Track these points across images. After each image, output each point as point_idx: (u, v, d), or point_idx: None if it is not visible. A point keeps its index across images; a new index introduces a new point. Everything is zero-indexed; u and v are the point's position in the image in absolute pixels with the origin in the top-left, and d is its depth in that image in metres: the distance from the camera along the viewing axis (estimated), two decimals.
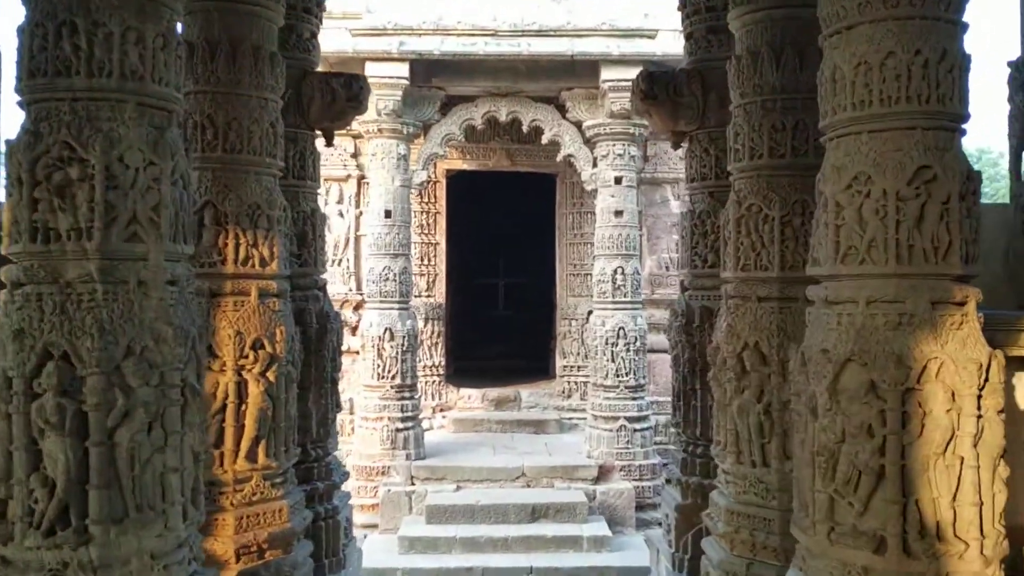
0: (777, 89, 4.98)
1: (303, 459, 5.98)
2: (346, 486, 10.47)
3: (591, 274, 12.00)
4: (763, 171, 5.01)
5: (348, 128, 12.20)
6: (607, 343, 10.31)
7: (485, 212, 15.58)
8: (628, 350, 10.29)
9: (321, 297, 6.25)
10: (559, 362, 12.33)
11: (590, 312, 12.01)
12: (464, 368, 14.17)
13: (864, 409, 3.48)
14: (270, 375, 4.94)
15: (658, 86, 6.26)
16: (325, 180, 11.97)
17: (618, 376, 10.29)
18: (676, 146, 6.76)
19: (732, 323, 5.03)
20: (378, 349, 10.31)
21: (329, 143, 6.76)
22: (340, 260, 12.13)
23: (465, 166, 12.31)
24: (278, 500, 4.99)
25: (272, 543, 4.90)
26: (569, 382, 12.20)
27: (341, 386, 12.26)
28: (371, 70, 9.97)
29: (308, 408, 5.98)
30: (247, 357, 4.88)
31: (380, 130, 10.32)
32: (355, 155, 12.05)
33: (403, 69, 10.02)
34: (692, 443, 6.26)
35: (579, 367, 12.16)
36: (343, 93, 6.19)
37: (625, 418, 10.23)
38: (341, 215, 12.16)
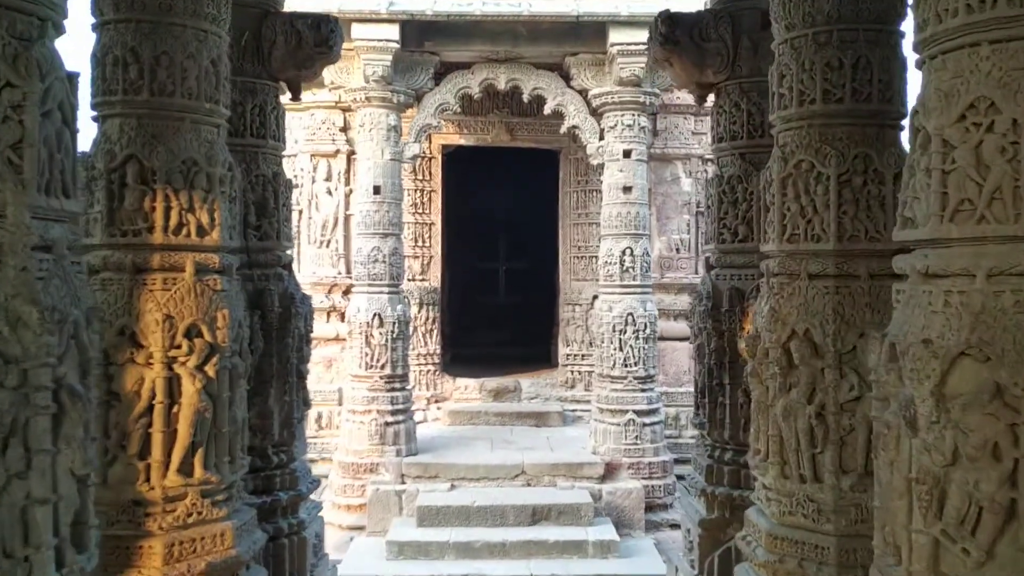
0: (833, 18, 3.95)
1: (263, 466, 4.98)
2: (332, 484, 9.55)
3: (596, 256, 11.00)
4: (815, 120, 3.99)
5: (337, 100, 11.24)
6: (614, 330, 9.29)
7: (483, 190, 14.56)
8: (637, 338, 9.28)
9: (286, 277, 5.23)
10: (562, 350, 11.32)
11: (595, 297, 11.01)
12: (461, 356, 13.18)
13: (987, 422, 2.45)
14: (209, 369, 3.93)
15: (681, 29, 5.23)
16: (312, 156, 11.01)
17: (626, 366, 9.28)
18: (701, 100, 5.75)
19: (776, 307, 4.01)
20: (366, 336, 9.31)
21: (296, 96, 5.75)
22: (328, 241, 11.14)
23: (462, 141, 11.28)
24: (220, 521, 3.98)
25: (211, 574, 3.90)
26: (572, 371, 11.19)
27: (330, 375, 11.38)
28: (358, 32, 8.94)
29: (269, 406, 4.98)
30: (180, 347, 3.86)
31: (368, 99, 9.28)
32: (344, 129, 11.04)
33: (393, 31, 8.98)
34: (719, 447, 5.25)
35: (583, 356, 11.17)
36: (310, 36, 5.16)
37: (634, 411, 9.22)
38: (330, 193, 11.16)
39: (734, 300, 5.08)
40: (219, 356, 3.96)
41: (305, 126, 11.21)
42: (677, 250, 11.16)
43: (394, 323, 9.31)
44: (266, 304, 4.93)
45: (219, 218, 4.01)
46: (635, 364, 9.27)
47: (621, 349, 9.28)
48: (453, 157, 12.02)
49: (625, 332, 9.28)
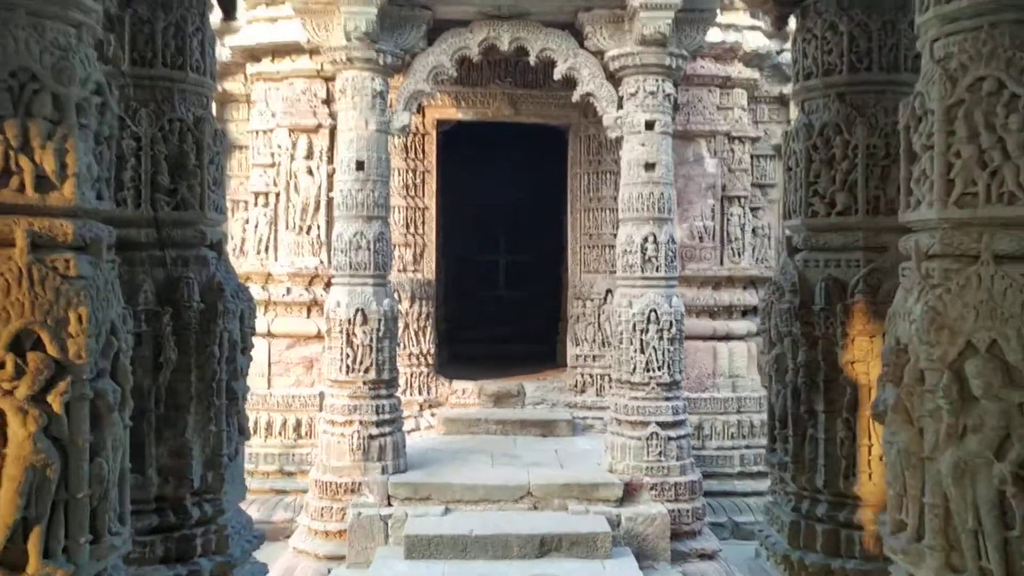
0: None
1: (177, 523, 3.46)
2: (308, 506, 8.04)
3: (611, 246, 9.48)
4: (1005, 15, 2.48)
5: (319, 69, 9.69)
6: (634, 329, 7.77)
7: (483, 173, 13.01)
8: (661, 338, 7.75)
9: (213, 261, 3.71)
10: (571, 350, 9.80)
11: (609, 291, 9.51)
12: (457, 356, 11.65)
13: None
14: (53, 401, 2.41)
15: None
16: (291, 131, 9.49)
17: (648, 371, 7.76)
18: (780, 23, 4.22)
19: (938, 307, 2.49)
20: (347, 335, 7.78)
21: (229, 15, 4.24)
22: (309, 227, 9.62)
23: (459, 115, 9.74)
24: None
25: None
26: (583, 374, 9.67)
27: (310, 377, 9.84)
28: None
29: (185, 441, 3.47)
30: (2, 366, 2.35)
31: (350, 60, 7.74)
32: (327, 101, 9.50)
33: None
34: (808, 498, 3.74)
35: (595, 357, 9.64)
36: None
37: (657, 423, 7.70)
38: (310, 172, 9.63)
39: (832, 295, 3.57)
40: (72, 380, 2.44)
41: (283, 97, 9.67)
42: (700, 239, 9.64)
43: (380, 320, 7.78)
44: (181, 299, 3.42)
45: (75, 165, 2.47)
46: (658, 368, 7.75)
47: (642, 351, 7.75)
48: (449, 137, 10.49)
49: (647, 332, 7.75)
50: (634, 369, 7.77)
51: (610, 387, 9.39)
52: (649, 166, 7.80)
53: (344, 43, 7.66)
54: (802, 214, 3.77)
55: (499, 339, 13.02)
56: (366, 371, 7.76)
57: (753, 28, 9.84)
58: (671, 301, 7.82)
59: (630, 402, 7.80)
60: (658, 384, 7.75)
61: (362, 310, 7.74)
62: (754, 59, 9.90)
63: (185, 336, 3.41)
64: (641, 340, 7.75)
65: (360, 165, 7.78)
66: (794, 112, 10.81)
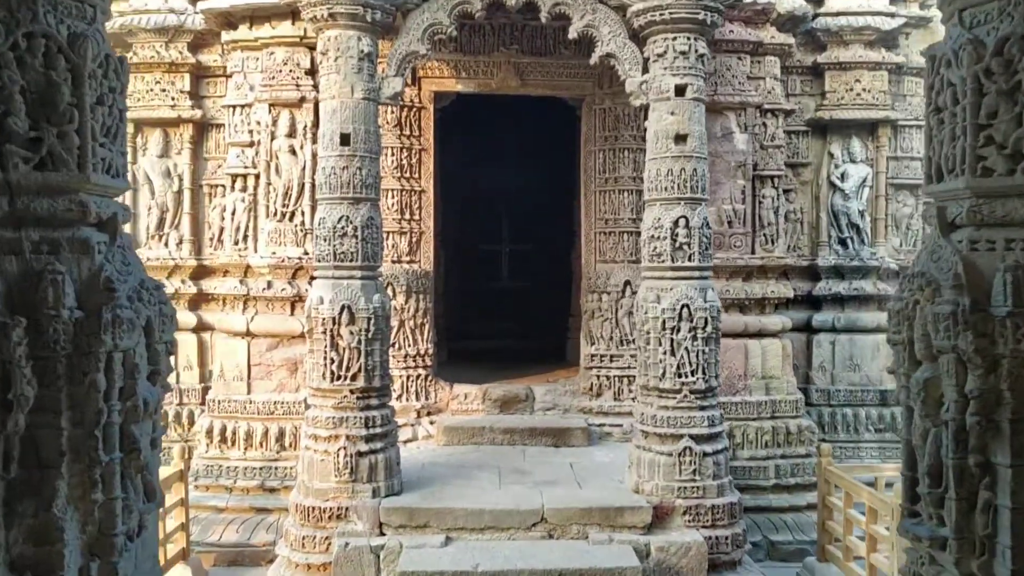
0: None
1: None
2: (288, 535, 6.80)
3: (629, 232, 8.29)
4: None
5: (302, 35, 8.43)
6: (663, 327, 6.54)
7: (485, 150, 11.78)
8: (695, 338, 6.52)
9: (98, 247, 2.45)
10: (585, 349, 8.56)
11: (627, 283, 8.31)
12: (458, 354, 10.44)
13: None
14: None
15: None
16: (271, 106, 8.25)
17: (680, 375, 6.53)
18: None
19: None
20: (331, 337, 6.54)
21: None
22: (292, 213, 8.37)
23: (459, 87, 8.48)
24: None
25: None
26: (599, 376, 8.44)
27: (295, 382, 8.53)
28: None
29: (52, 518, 2.23)
30: None
31: (332, 16, 6.48)
32: (312, 72, 8.22)
33: None
34: None
35: (612, 356, 8.41)
36: None
37: (691, 436, 6.48)
38: (293, 152, 8.37)
39: (1023, 293, 2.33)
40: None
41: (262, 68, 8.40)
42: (729, 223, 8.40)
43: (370, 319, 6.54)
44: (44, 303, 2.18)
45: None
46: (692, 373, 6.52)
47: (673, 353, 6.53)
48: (448, 113, 9.24)
49: (678, 330, 6.52)
50: (663, 374, 6.55)
51: (629, 391, 8.21)
52: (680, 138, 6.56)
53: None
54: (966, 173, 2.51)
55: (503, 335, 11.81)
56: (354, 378, 6.53)
57: None
58: (706, 295, 6.59)
59: (659, 412, 6.58)
60: (691, 391, 6.53)
61: (348, 307, 6.51)
62: (788, 22, 8.65)
63: (50, 361, 2.19)
64: (672, 340, 6.53)
65: (345, 139, 6.54)
66: (830, 82, 9.62)
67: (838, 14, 9.08)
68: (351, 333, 6.52)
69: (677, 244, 6.54)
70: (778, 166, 8.68)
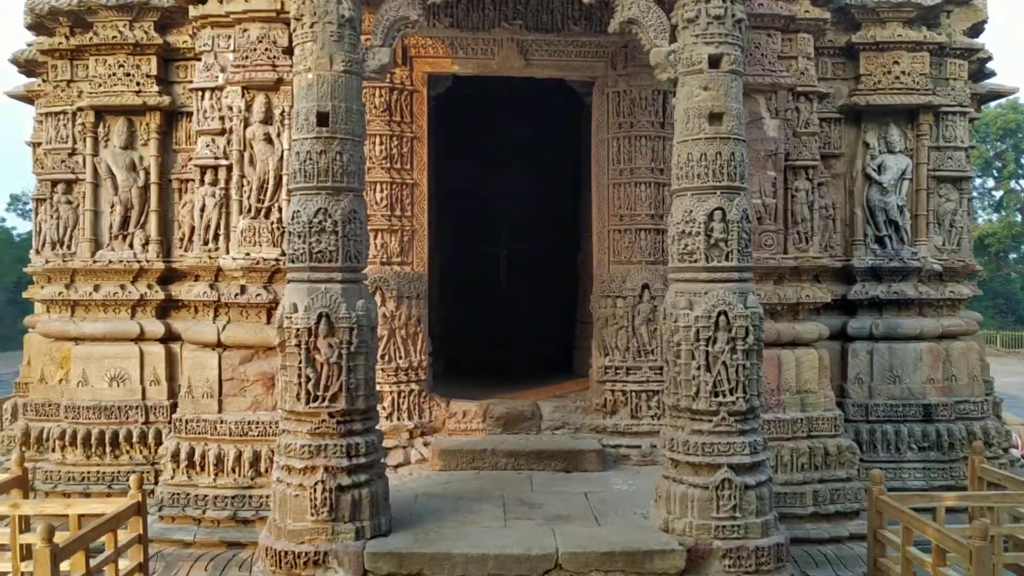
0: None
1: None
2: None
3: (647, 229, 7.23)
4: None
5: (279, 9, 7.31)
6: (697, 338, 5.44)
7: (482, 141, 10.68)
8: (734, 350, 5.43)
9: None
10: (597, 361, 7.46)
11: (645, 286, 7.26)
12: (456, 366, 9.36)
13: None
14: None
15: None
16: (245, 89, 7.19)
17: (717, 395, 5.43)
18: None
19: None
20: (307, 351, 5.43)
21: None
22: (268, 209, 7.29)
23: (456, 68, 7.39)
24: None
25: None
26: (614, 391, 7.34)
27: (272, 399, 7.29)
28: None
29: None
30: None
31: None
32: (290, 51, 7.06)
33: None
34: None
35: (628, 369, 7.32)
36: None
37: (730, 466, 5.39)
38: (270, 140, 7.29)
39: None
40: None
41: (235, 47, 7.32)
42: (759, 219, 7.32)
43: (352, 329, 5.43)
44: None
45: None
46: (731, 392, 5.43)
47: (708, 368, 5.43)
48: (443, 100, 8.16)
49: (714, 342, 5.43)
50: (697, 392, 5.45)
51: (648, 407, 7.14)
52: (715, 117, 5.47)
53: None
54: None
55: (505, 344, 10.72)
56: (333, 399, 5.43)
57: None
58: (746, 300, 5.50)
59: (692, 437, 5.48)
60: (730, 412, 5.43)
61: (327, 316, 5.40)
62: None
63: None
64: (707, 353, 5.44)
65: (323, 118, 5.44)
66: (866, 64, 8.50)
67: None
68: (330, 346, 5.41)
69: (712, 240, 5.46)
70: (812, 156, 7.61)
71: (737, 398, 5.42)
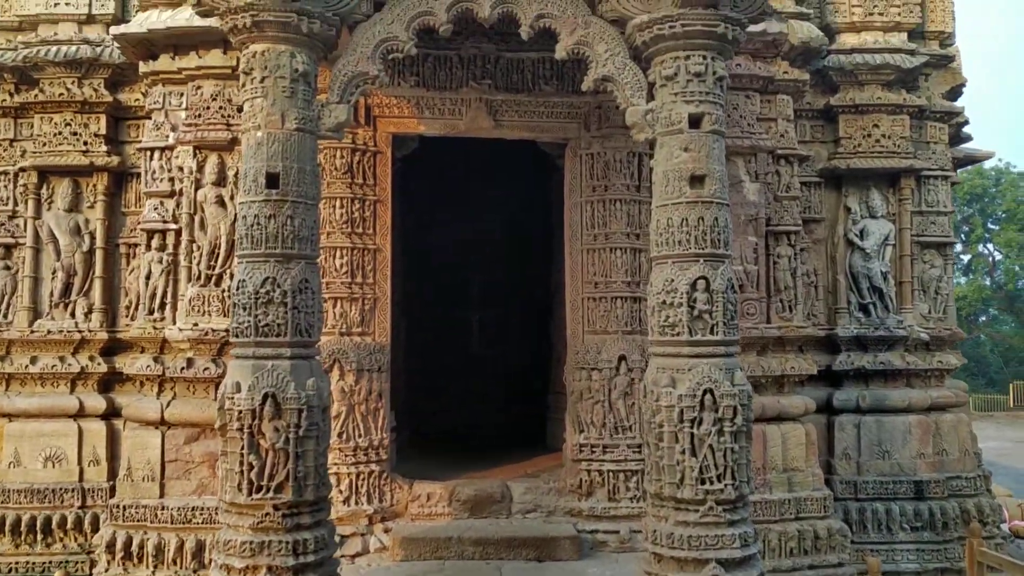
0: None
1: None
2: None
3: (624, 297, 6.76)
4: None
5: (234, 66, 6.85)
6: (681, 419, 4.93)
7: (451, 201, 10.24)
8: (721, 432, 4.92)
9: None
10: (572, 437, 6.89)
11: (621, 358, 6.75)
12: (421, 439, 8.76)
13: None
14: None
15: None
16: (197, 149, 6.71)
17: (703, 482, 4.90)
18: None
19: None
20: (251, 435, 4.84)
21: None
22: (219, 276, 6.75)
23: (422, 128, 6.94)
24: None
25: None
26: (589, 471, 6.75)
27: (217, 483, 6.69)
28: None
29: None
30: None
31: (258, 25, 4.93)
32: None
33: None
34: None
35: (606, 447, 6.75)
36: None
37: (718, 561, 4.82)
38: (222, 203, 6.79)
39: None
40: None
41: (187, 105, 6.85)
42: (741, 287, 6.85)
43: (301, 411, 4.86)
44: None
45: None
46: (718, 478, 4.90)
47: (694, 453, 4.91)
48: (410, 160, 7.73)
49: (700, 422, 4.92)
50: (682, 479, 4.92)
51: (627, 488, 6.59)
52: (696, 179, 5.05)
53: (249, 0, 4.88)
54: None
55: (473, 413, 10.14)
56: (279, 489, 4.82)
57: (800, 16, 7.23)
58: (733, 377, 5.01)
59: (676, 528, 4.92)
60: (718, 501, 4.89)
61: (274, 396, 4.83)
62: (801, 56, 7.29)
63: None
64: (692, 435, 4.92)
65: (273, 179, 4.94)
66: (845, 127, 8.15)
67: (852, 51, 7.76)
68: (277, 430, 4.83)
69: (696, 312, 4.98)
70: (794, 220, 7.24)
71: (725, 485, 4.89)
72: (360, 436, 6.57)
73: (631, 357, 6.69)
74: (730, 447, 4.92)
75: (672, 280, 5.04)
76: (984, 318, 29.62)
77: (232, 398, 4.85)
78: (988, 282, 27.02)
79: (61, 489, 7.12)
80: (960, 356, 8.29)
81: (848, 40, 7.83)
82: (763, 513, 6.70)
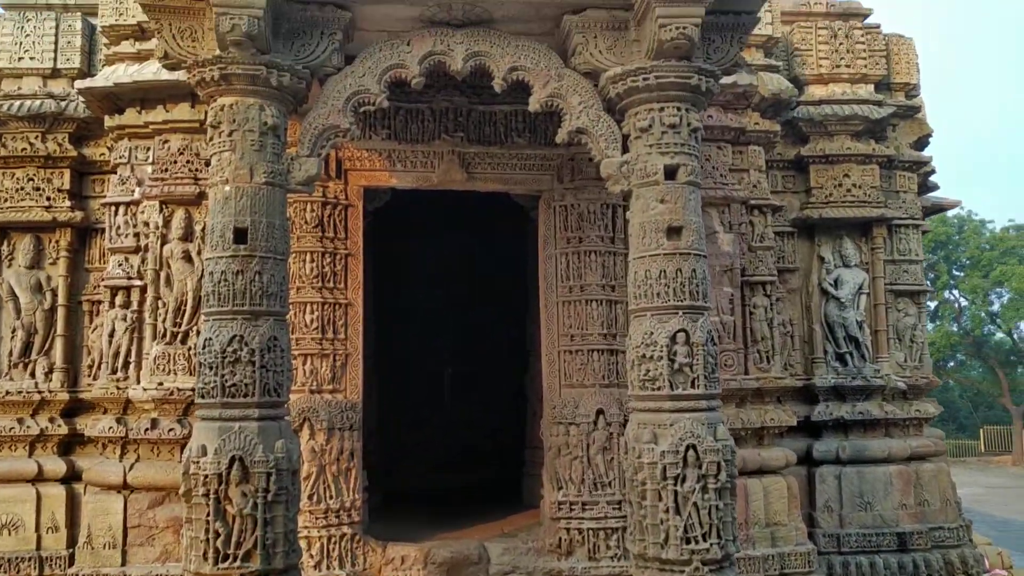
0: None
1: None
2: None
3: (600, 350, 6.63)
4: None
5: (202, 120, 6.73)
6: (664, 476, 4.78)
7: (425, 253, 10.13)
8: (705, 489, 4.77)
9: None
10: (550, 495, 6.69)
11: (599, 412, 6.61)
12: (395, 497, 8.50)
13: None
14: None
15: None
16: (163, 204, 6.53)
17: (688, 541, 4.73)
18: None
19: None
20: (217, 501, 4.61)
21: None
22: (186, 334, 6.55)
23: (394, 181, 6.84)
24: None
25: None
26: (569, 529, 6.53)
27: (182, 549, 6.32)
28: None
29: None
30: None
31: (226, 78, 4.82)
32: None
33: None
34: None
35: (585, 504, 6.54)
36: None
37: None
38: (189, 259, 6.61)
39: None
40: None
41: (154, 159, 6.72)
42: (718, 338, 6.77)
43: (269, 475, 4.64)
44: None
45: None
46: (704, 537, 4.74)
47: (678, 511, 4.75)
48: (381, 212, 7.62)
49: (683, 479, 4.77)
50: (666, 539, 4.75)
51: (607, 547, 6.40)
52: (674, 231, 4.97)
53: (216, 52, 4.78)
54: None
55: (450, 469, 9.92)
56: (247, 557, 4.58)
57: (770, 68, 7.28)
58: (716, 431, 4.88)
59: None
60: (704, 562, 4.72)
61: (241, 459, 4.62)
62: (772, 107, 7.32)
63: None
64: (675, 493, 4.77)
65: (241, 235, 4.79)
66: (816, 177, 8.12)
67: (820, 102, 7.82)
68: (244, 495, 4.61)
69: (676, 366, 4.87)
70: (769, 271, 7.20)
71: (711, 544, 4.73)
72: (331, 498, 6.33)
73: (609, 411, 6.55)
74: (715, 504, 4.77)
75: (651, 333, 4.93)
76: (952, 363, 29.84)
77: (197, 462, 4.63)
78: (955, 328, 27.28)
79: (17, 558, 6.80)
80: (937, 405, 8.25)
81: (816, 92, 7.90)
82: (746, 570, 6.53)
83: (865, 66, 7.89)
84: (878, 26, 8.07)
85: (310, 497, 6.20)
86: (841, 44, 7.89)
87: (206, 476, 4.60)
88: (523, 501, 8.28)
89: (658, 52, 4.94)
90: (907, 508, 7.52)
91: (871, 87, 7.93)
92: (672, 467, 4.77)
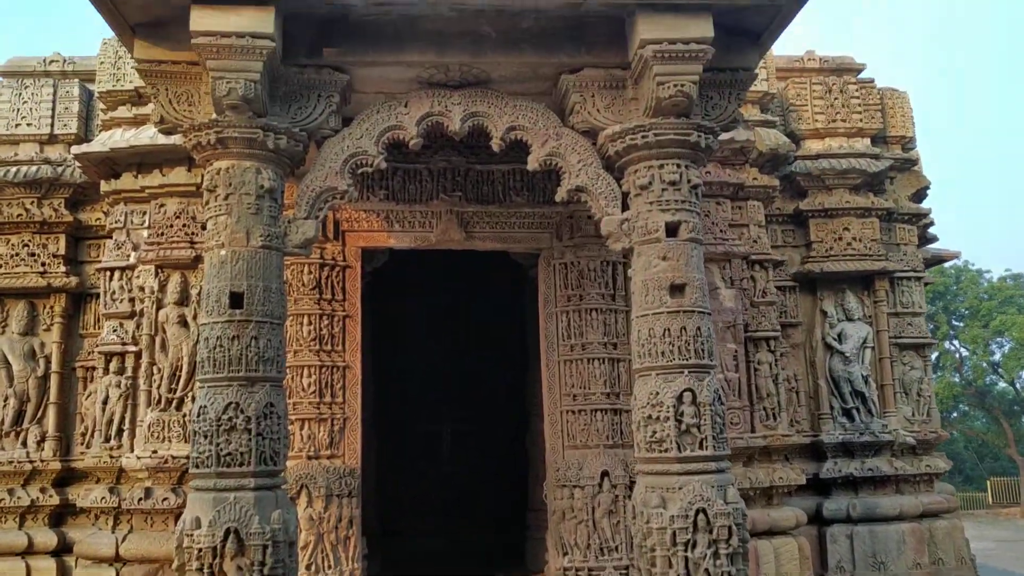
0: None
1: None
2: None
3: (603, 410, 6.49)
4: None
5: (198, 183, 6.69)
6: (674, 542, 4.62)
7: (423, 312, 10.03)
8: (716, 555, 4.60)
9: None
10: (555, 561, 6.49)
11: (604, 473, 6.45)
12: (394, 563, 8.26)
13: None
14: None
15: None
16: (159, 268, 6.44)
17: None
18: None
19: None
20: (211, 573, 4.43)
21: None
22: (181, 400, 6.42)
23: (392, 242, 6.78)
24: None
25: None
26: None
27: None
28: (201, 22, 4.57)
29: None
30: None
31: (223, 142, 4.78)
32: None
33: (266, 23, 4.58)
34: None
35: (591, 570, 6.33)
36: None
37: None
38: (184, 323, 6.51)
39: None
40: None
41: (150, 223, 6.67)
42: (723, 396, 6.64)
43: (266, 547, 4.47)
44: None
45: None
46: None
47: None
48: (381, 274, 7.55)
49: (694, 545, 4.61)
50: None
51: None
52: (676, 288, 4.89)
53: (213, 115, 4.75)
54: None
55: (451, 531, 9.68)
56: None
57: (766, 123, 7.29)
58: (726, 494, 4.73)
59: None
60: None
61: (236, 532, 4.46)
62: (770, 162, 7.32)
63: None
64: (686, 559, 4.60)
65: (237, 299, 4.70)
66: (816, 231, 8.13)
67: (818, 156, 7.82)
68: (239, 568, 4.44)
69: (684, 427, 4.74)
70: (772, 326, 7.11)
71: None
72: (330, 568, 6.13)
73: (614, 472, 6.39)
74: (727, 570, 4.60)
75: (657, 393, 4.81)
76: (955, 414, 29.56)
77: (191, 535, 4.46)
78: (957, 379, 27.07)
79: None
80: (947, 459, 8.08)
81: (813, 146, 7.90)
82: None
83: (861, 120, 7.91)
84: (872, 80, 8.11)
85: (308, 567, 6.00)
86: (836, 99, 7.92)
87: (200, 549, 4.43)
88: (526, 566, 8.05)
89: (656, 110, 4.91)
90: (921, 567, 7.31)
91: (867, 140, 7.93)
92: (682, 532, 4.61)
